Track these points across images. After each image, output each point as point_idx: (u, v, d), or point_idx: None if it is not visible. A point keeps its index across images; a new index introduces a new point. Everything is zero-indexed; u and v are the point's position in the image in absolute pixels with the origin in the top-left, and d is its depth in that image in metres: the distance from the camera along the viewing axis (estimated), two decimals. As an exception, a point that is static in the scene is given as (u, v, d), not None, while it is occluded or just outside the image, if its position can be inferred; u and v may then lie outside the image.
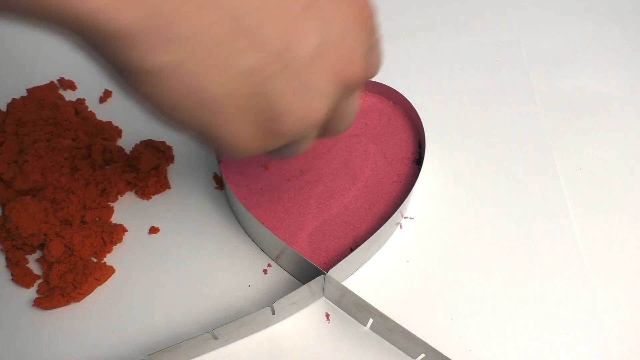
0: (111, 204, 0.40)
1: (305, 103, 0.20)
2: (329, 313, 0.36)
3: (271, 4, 0.18)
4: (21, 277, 0.36)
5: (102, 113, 0.44)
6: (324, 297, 0.36)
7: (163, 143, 0.42)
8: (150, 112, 0.20)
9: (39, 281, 0.36)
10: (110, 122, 0.44)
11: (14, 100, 0.43)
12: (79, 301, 0.36)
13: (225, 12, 0.17)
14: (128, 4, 0.16)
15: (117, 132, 0.43)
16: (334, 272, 0.33)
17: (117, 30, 0.16)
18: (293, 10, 0.19)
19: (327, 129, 0.24)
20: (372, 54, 0.22)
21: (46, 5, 0.15)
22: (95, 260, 0.37)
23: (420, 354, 0.32)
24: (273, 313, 0.33)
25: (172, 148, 0.43)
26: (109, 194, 0.40)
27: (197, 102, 0.19)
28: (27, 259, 0.37)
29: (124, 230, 0.39)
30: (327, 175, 0.38)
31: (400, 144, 0.40)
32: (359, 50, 0.21)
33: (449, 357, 0.30)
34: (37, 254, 0.37)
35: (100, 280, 0.36)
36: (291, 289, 0.36)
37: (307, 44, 0.19)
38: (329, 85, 0.20)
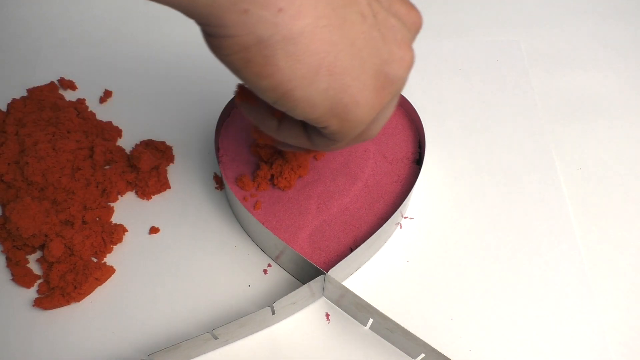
0: (111, 204, 0.40)
1: (400, 46, 0.23)
2: (329, 313, 0.36)
3: None
4: (21, 277, 0.36)
5: (102, 113, 0.44)
6: (324, 297, 0.36)
7: (163, 143, 0.42)
8: (287, 101, 0.22)
9: (39, 281, 0.36)
10: (110, 122, 0.44)
11: (14, 100, 0.43)
12: (79, 301, 0.36)
13: None
14: None
15: (117, 132, 0.43)
16: (334, 272, 0.33)
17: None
18: None
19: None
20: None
21: None
22: (95, 260, 0.37)
23: (420, 354, 0.32)
24: (273, 313, 0.33)
25: (172, 148, 0.43)
26: (109, 194, 0.40)
27: (332, 63, 0.21)
28: (27, 259, 0.37)
29: (124, 230, 0.39)
30: (327, 175, 0.38)
31: (400, 144, 0.40)
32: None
33: (449, 357, 0.30)
34: (37, 254, 0.37)
35: (100, 280, 0.36)
36: (291, 289, 0.36)
37: (396, 6, 0.23)
38: (408, 35, 0.24)
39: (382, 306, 0.33)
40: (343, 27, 0.20)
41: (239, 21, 0.19)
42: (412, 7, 0.25)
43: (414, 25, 0.25)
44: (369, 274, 0.37)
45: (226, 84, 0.47)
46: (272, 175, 0.37)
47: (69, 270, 0.36)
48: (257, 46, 0.19)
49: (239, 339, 0.35)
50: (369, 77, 0.22)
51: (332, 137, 0.25)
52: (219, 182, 0.41)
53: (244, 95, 0.28)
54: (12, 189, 0.38)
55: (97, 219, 0.39)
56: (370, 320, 0.34)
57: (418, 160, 0.39)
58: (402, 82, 0.24)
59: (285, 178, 0.36)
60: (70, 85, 0.46)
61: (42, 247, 0.37)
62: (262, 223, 0.36)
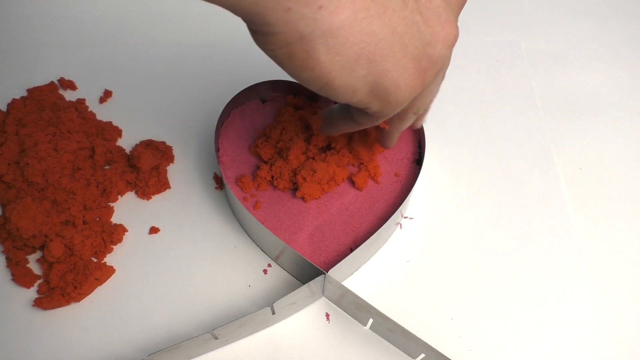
0: (111, 204, 0.40)
1: (443, 26, 0.23)
2: (329, 313, 0.36)
3: None
4: (21, 277, 0.36)
5: (102, 113, 0.44)
6: (324, 297, 0.36)
7: (163, 143, 0.42)
8: (329, 89, 0.23)
9: (39, 281, 0.36)
10: (110, 122, 0.44)
11: (14, 100, 0.43)
12: (79, 301, 0.36)
13: None
14: None
15: (117, 132, 0.43)
16: (334, 272, 0.33)
17: None
18: None
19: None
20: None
21: None
22: (95, 260, 0.37)
23: (420, 354, 0.32)
24: (273, 313, 0.33)
25: (172, 148, 0.43)
26: (109, 194, 0.40)
27: (372, 51, 0.22)
28: (27, 259, 0.37)
29: (124, 230, 0.39)
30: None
31: (400, 144, 0.40)
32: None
33: (449, 357, 0.30)
34: (37, 254, 0.37)
35: (100, 280, 0.36)
36: (291, 289, 0.36)
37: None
38: (452, 13, 0.24)
39: (382, 306, 0.33)
40: (383, 16, 0.21)
41: (282, 19, 0.20)
42: None
43: (458, 2, 0.25)
44: (369, 274, 0.37)
45: (226, 83, 0.47)
46: (272, 177, 0.37)
47: (69, 270, 0.36)
48: (300, 42, 0.21)
49: (239, 339, 0.35)
50: (410, 60, 0.23)
51: (375, 115, 0.26)
52: (219, 182, 0.41)
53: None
54: (13, 189, 0.38)
55: (97, 219, 0.39)
56: (370, 320, 0.34)
57: (418, 160, 0.39)
58: (446, 59, 0.25)
59: (307, 188, 0.36)
60: (70, 85, 0.46)
61: (42, 247, 0.37)
62: (262, 223, 0.36)
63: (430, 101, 0.29)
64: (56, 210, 0.37)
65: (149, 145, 0.42)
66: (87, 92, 0.46)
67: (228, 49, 0.49)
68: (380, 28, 0.21)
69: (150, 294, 0.36)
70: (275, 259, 0.37)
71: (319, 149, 0.37)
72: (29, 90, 0.44)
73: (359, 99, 0.24)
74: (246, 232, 0.39)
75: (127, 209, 0.40)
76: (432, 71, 0.24)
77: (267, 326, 0.35)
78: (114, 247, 0.38)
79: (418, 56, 0.23)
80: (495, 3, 0.54)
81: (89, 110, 0.45)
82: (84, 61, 0.48)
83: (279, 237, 0.35)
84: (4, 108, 0.44)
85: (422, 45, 0.23)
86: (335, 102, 0.35)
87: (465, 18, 0.53)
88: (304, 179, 0.36)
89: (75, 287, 0.35)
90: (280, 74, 0.42)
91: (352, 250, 0.35)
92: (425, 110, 0.31)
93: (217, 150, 0.39)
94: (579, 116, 0.46)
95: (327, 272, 0.32)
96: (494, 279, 0.37)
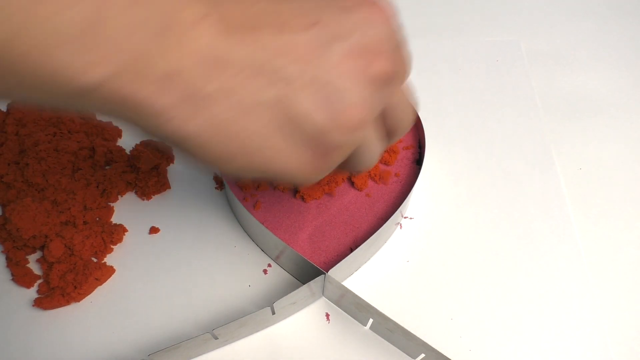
0: (111, 204, 0.40)
1: (340, 109, 0.20)
2: (329, 313, 0.36)
3: (280, 39, 0.19)
4: (21, 277, 0.36)
5: (102, 113, 0.44)
6: (324, 297, 0.36)
7: (163, 143, 0.42)
8: (211, 168, 0.21)
9: (39, 281, 0.36)
10: (110, 122, 0.44)
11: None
12: (79, 301, 0.36)
13: (241, 69, 0.19)
14: (162, 89, 0.18)
15: (117, 132, 0.43)
16: (334, 272, 0.33)
17: (155, 110, 0.18)
18: (299, 35, 0.19)
19: (389, 129, 0.25)
20: (399, 50, 0.22)
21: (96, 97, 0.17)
22: (95, 260, 0.37)
23: (420, 354, 0.32)
24: (273, 313, 0.33)
25: (172, 148, 0.43)
26: (109, 194, 0.40)
27: (241, 147, 0.20)
28: (27, 259, 0.37)
29: (124, 230, 0.39)
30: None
31: (400, 144, 0.40)
32: (380, 45, 0.21)
33: (449, 357, 0.30)
34: (38, 254, 0.37)
35: (100, 280, 0.36)
36: (291, 289, 0.36)
37: (323, 59, 0.20)
38: (358, 84, 0.20)
39: (382, 306, 0.33)
40: (252, 112, 0.19)
41: (159, 123, 0.19)
42: (395, 61, 0.21)
43: (382, 75, 0.21)
44: (369, 274, 0.37)
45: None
46: None
47: (69, 270, 0.36)
48: (179, 144, 0.20)
49: (239, 339, 0.35)
50: (299, 147, 0.20)
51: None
52: (219, 182, 0.41)
53: None
54: (13, 189, 0.38)
55: (97, 219, 0.39)
56: (370, 320, 0.34)
57: (418, 160, 0.39)
58: (354, 142, 0.21)
59: (307, 188, 0.36)
60: (70, 85, 0.46)
61: (42, 247, 0.37)
62: (262, 223, 0.36)
63: (366, 162, 0.24)
64: (56, 211, 0.37)
65: (149, 145, 0.42)
66: (87, 92, 0.46)
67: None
68: (250, 124, 0.19)
69: (150, 294, 0.36)
70: (275, 259, 0.37)
71: None
72: (29, 90, 0.44)
73: (262, 177, 0.22)
74: (246, 232, 0.39)
75: (127, 209, 0.40)
76: (337, 154, 0.21)
77: (267, 326, 0.35)
78: (114, 247, 0.38)
79: (309, 143, 0.20)
80: (495, 3, 0.54)
81: (89, 110, 0.45)
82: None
83: (279, 237, 0.35)
84: (4, 108, 0.44)
85: (312, 133, 0.20)
86: None
87: (465, 18, 0.54)
88: None
89: (75, 287, 0.35)
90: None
91: (352, 250, 0.35)
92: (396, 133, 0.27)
93: (217, 150, 0.39)
94: (579, 116, 0.46)
95: (327, 272, 0.32)
96: (494, 279, 0.37)
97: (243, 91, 0.19)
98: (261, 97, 0.19)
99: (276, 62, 0.19)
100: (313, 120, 0.20)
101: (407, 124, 0.25)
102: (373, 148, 0.24)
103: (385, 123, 0.24)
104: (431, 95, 0.47)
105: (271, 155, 0.20)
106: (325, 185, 0.36)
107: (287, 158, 0.21)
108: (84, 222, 0.38)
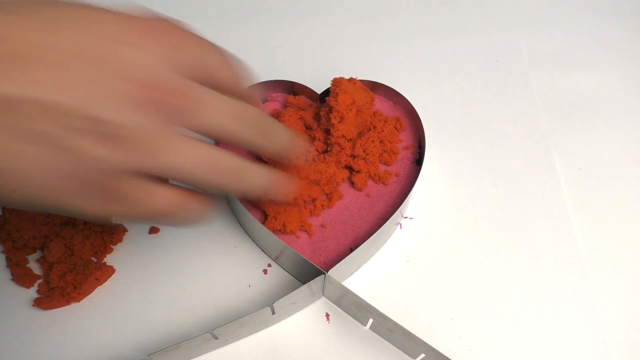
0: (111, 204, 0.40)
1: (111, 147, 0.19)
2: (329, 313, 0.36)
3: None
4: (21, 277, 0.36)
5: (102, 113, 0.44)
6: (324, 297, 0.36)
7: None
8: None
9: (39, 281, 0.36)
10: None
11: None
12: (79, 301, 0.36)
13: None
14: None
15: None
16: (334, 272, 0.33)
17: None
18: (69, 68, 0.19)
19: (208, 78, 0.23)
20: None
21: None
22: (95, 260, 0.37)
23: (420, 354, 0.32)
24: (273, 313, 0.33)
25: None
26: (109, 194, 0.40)
27: (8, 185, 0.19)
28: (27, 259, 0.37)
29: (124, 230, 0.39)
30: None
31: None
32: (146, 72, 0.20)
33: (449, 357, 0.30)
34: (38, 254, 0.37)
35: (100, 280, 0.36)
36: (291, 289, 0.36)
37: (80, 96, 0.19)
38: (128, 114, 0.19)
39: (382, 306, 0.33)
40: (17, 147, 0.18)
41: None
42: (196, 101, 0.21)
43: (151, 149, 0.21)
44: (369, 274, 0.37)
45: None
46: None
47: (69, 271, 0.36)
48: None
49: (239, 339, 0.35)
50: (72, 190, 0.20)
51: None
52: (219, 182, 0.41)
53: None
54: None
55: (97, 219, 0.39)
56: (370, 320, 0.34)
57: (418, 160, 0.39)
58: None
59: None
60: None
61: (42, 247, 0.37)
62: (262, 223, 0.36)
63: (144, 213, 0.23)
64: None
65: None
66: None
67: (227, 49, 0.49)
68: (12, 163, 0.19)
69: (150, 294, 0.36)
70: (275, 259, 0.37)
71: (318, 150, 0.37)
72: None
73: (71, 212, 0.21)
74: (246, 232, 0.39)
75: (127, 209, 0.40)
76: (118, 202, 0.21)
77: (267, 326, 0.35)
78: (114, 247, 0.38)
79: (92, 189, 0.20)
80: (495, 3, 0.54)
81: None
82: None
83: (279, 237, 0.35)
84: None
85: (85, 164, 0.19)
86: None
87: (465, 18, 0.54)
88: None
89: (75, 287, 0.35)
90: (281, 74, 0.42)
91: (352, 250, 0.35)
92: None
93: (217, 150, 0.39)
94: (579, 116, 0.46)
95: (327, 272, 0.32)
96: (493, 279, 0.37)
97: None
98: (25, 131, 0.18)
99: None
100: (90, 156, 0.19)
101: (281, 139, 0.24)
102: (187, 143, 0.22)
103: (198, 76, 0.23)
104: (431, 95, 0.47)
105: (46, 194, 0.20)
106: (325, 185, 0.36)
107: (69, 196, 0.20)
108: (83, 222, 0.38)
